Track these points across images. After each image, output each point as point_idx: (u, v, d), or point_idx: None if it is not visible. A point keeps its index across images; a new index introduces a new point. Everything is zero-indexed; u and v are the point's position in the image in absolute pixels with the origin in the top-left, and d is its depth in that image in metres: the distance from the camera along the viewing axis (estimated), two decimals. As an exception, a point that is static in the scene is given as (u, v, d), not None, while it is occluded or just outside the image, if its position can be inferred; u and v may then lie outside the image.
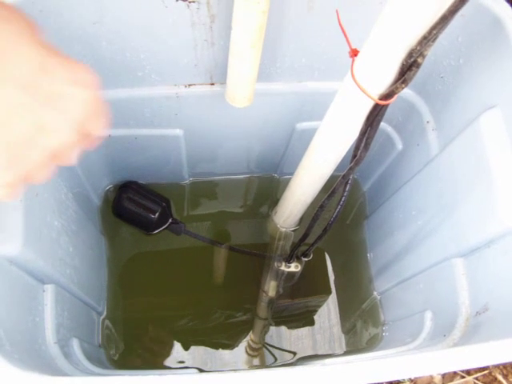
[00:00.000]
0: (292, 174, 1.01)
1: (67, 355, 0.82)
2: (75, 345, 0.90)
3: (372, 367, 0.57)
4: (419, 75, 0.95)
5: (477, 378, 1.01)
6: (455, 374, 1.02)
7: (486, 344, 0.60)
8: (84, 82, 0.42)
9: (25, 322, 0.72)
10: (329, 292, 1.35)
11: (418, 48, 0.56)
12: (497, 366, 1.03)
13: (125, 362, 1.19)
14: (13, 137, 0.38)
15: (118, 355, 1.20)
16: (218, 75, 0.95)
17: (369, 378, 0.57)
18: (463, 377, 1.01)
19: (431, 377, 1.01)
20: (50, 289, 0.82)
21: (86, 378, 0.54)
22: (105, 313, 1.18)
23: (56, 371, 0.74)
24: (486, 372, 1.02)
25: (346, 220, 1.43)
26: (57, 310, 0.83)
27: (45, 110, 0.40)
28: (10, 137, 0.38)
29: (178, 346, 1.27)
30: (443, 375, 1.01)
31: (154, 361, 1.26)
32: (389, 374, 0.57)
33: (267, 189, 1.43)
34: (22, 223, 0.70)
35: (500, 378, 1.01)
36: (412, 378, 1.01)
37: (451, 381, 1.00)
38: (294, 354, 1.30)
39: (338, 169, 0.87)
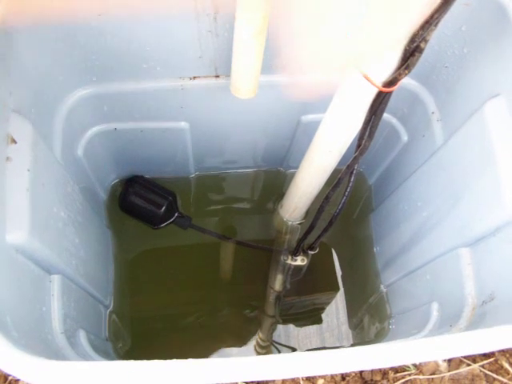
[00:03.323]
0: (298, 167, 1.02)
1: (74, 345, 0.83)
2: (82, 336, 0.90)
3: (377, 352, 0.57)
4: (423, 66, 0.96)
5: (483, 366, 1.00)
6: (461, 361, 1.01)
7: (492, 329, 0.60)
8: None
9: (32, 310, 0.73)
10: (337, 288, 1.35)
11: (421, 33, 0.56)
12: (503, 354, 1.02)
13: (131, 356, 1.20)
14: None
15: (124, 349, 1.20)
16: (223, 67, 0.95)
17: (374, 363, 0.56)
18: (469, 364, 1.00)
19: (437, 364, 1.01)
20: (56, 279, 0.83)
21: (91, 362, 0.54)
22: (111, 306, 1.19)
23: (62, 360, 0.75)
24: (491, 360, 1.01)
25: (352, 215, 1.43)
26: (63, 301, 0.83)
27: None
28: None
29: (185, 344, 1.27)
30: (449, 363, 1.01)
31: (161, 357, 1.26)
32: (394, 358, 0.57)
33: (273, 183, 1.43)
34: (28, 212, 0.70)
35: (506, 365, 1.01)
36: (417, 363, 1.00)
37: (457, 369, 1.00)
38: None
39: (343, 163, 0.87)
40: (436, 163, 0.99)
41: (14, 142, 0.71)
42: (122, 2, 0.78)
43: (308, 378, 0.99)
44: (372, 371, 1.00)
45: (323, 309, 1.34)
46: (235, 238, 1.37)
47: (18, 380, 0.95)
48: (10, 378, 0.95)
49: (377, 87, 0.66)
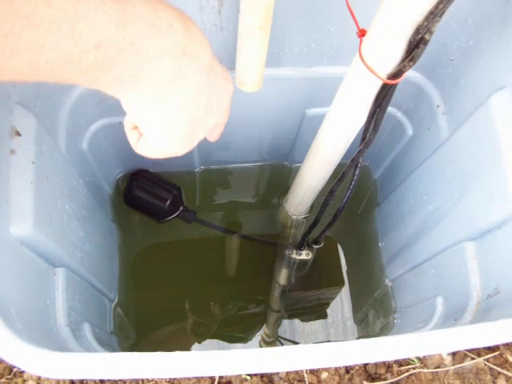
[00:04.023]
0: (303, 161, 1.01)
1: (78, 338, 0.83)
2: (86, 329, 0.90)
3: (381, 345, 0.57)
4: (429, 59, 0.95)
5: (487, 360, 1.00)
6: (465, 355, 1.01)
7: (496, 322, 0.60)
8: (229, 79, 0.53)
9: (36, 303, 0.73)
10: (342, 283, 1.35)
11: (425, 24, 0.56)
12: (507, 348, 1.02)
13: (136, 349, 1.19)
14: (195, 114, 0.48)
15: (129, 343, 1.20)
16: (228, 61, 0.95)
17: (378, 356, 0.56)
18: (473, 358, 1.00)
19: (441, 358, 1.01)
20: (61, 272, 0.83)
21: (95, 354, 0.54)
22: (116, 299, 1.19)
23: (67, 352, 0.75)
24: (496, 353, 1.01)
25: (357, 209, 1.43)
26: (68, 294, 0.83)
27: (213, 97, 0.50)
28: (194, 114, 0.47)
29: (190, 339, 1.27)
30: (453, 356, 1.01)
31: (166, 350, 1.26)
32: (398, 351, 0.57)
33: (278, 177, 1.43)
34: (32, 204, 0.70)
35: (511, 359, 1.01)
36: (421, 357, 1.00)
37: (461, 362, 1.00)
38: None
39: (348, 157, 0.87)
40: (441, 157, 0.99)
41: (18, 134, 0.71)
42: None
43: (312, 371, 0.99)
44: (376, 364, 1.00)
45: (328, 304, 1.34)
46: (240, 232, 1.37)
47: (22, 371, 0.95)
48: (14, 369, 0.96)
49: (381, 79, 0.66)
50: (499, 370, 1.00)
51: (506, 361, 1.01)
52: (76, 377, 0.52)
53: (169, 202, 1.25)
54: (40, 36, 0.30)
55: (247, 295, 1.35)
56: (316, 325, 1.32)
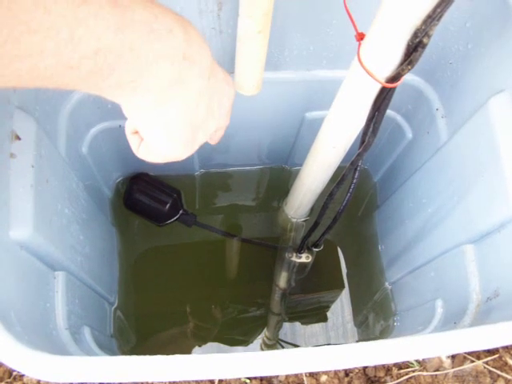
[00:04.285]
0: (302, 164, 1.01)
1: (78, 342, 0.83)
2: (86, 333, 0.90)
3: (380, 348, 0.57)
4: (428, 62, 0.96)
5: (487, 363, 1.00)
6: (465, 358, 1.01)
7: (496, 325, 0.60)
8: (231, 83, 0.54)
9: (36, 306, 0.73)
10: (342, 286, 1.35)
11: (423, 27, 0.56)
12: (507, 351, 1.02)
13: (136, 353, 1.19)
14: (195, 119, 0.47)
15: (129, 347, 1.20)
16: (227, 64, 0.95)
17: (377, 359, 0.56)
18: (473, 361, 1.00)
19: (441, 361, 1.01)
20: (60, 276, 0.83)
21: (95, 357, 0.54)
22: (116, 303, 1.19)
23: (66, 355, 0.75)
24: (495, 356, 1.01)
25: (357, 212, 1.43)
26: (68, 297, 0.83)
27: (214, 101, 0.50)
28: (194, 118, 0.47)
29: (190, 342, 1.27)
30: (453, 359, 1.01)
31: (166, 354, 1.26)
32: (397, 354, 0.57)
33: (278, 180, 1.43)
34: (32, 208, 0.70)
35: (510, 362, 1.01)
36: (421, 360, 1.00)
37: (461, 365, 1.00)
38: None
39: (348, 160, 0.87)
40: (441, 160, 0.99)
41: (18, 138, 0.72)
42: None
43: (311, 374, 0.99)
44: (375, 367, 1.00)
45: (328, 307, 1.34)
46: (240, 236, 1.37)
47: (22, 375, 0.95)
48: (14, 373, 0.96)
49: (380, 83, 0.66)
50: (499, 372, 1.00)
51: (506, 363, 1.01)
52: (76, 380, 0.53)
53: (169, 205, 1.25)
54: (39, 42, 0.29)
55: (247, 298, 1.34)
56: (316, 328, 1.32)
